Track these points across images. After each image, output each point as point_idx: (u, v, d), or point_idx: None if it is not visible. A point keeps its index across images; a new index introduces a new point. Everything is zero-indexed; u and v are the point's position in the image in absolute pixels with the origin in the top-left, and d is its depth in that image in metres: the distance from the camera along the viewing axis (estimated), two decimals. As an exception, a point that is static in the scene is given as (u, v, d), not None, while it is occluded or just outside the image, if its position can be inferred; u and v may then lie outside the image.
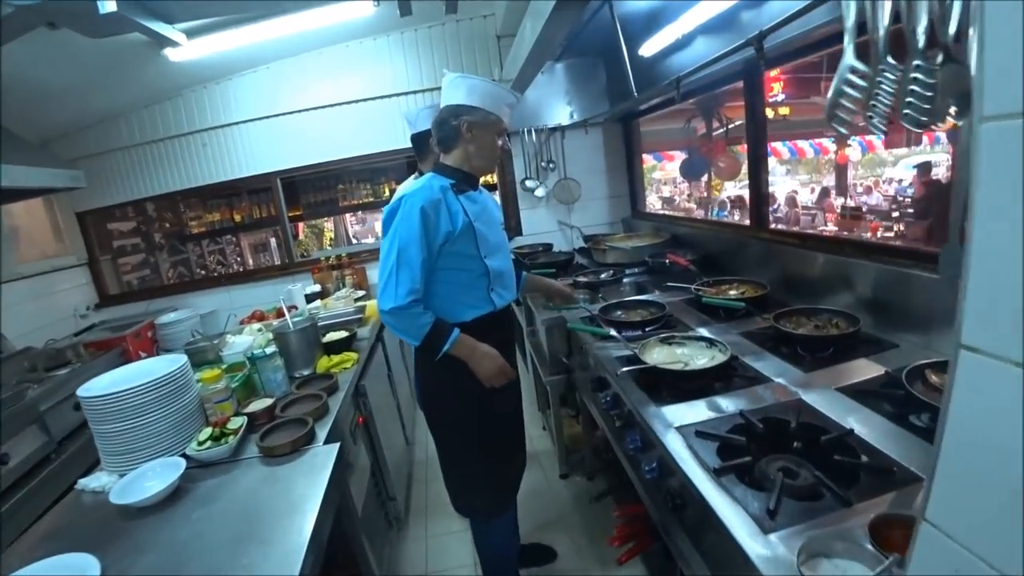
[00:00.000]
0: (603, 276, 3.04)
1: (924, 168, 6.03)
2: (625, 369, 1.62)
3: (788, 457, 1.22)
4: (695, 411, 1.46)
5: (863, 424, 1.28)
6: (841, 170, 9.79)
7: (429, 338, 1.66)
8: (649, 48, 2.80)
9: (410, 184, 1.78)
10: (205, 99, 4.02)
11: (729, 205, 7.59)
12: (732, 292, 2.35)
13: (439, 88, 1.72)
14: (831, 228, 7.44)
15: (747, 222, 2.72)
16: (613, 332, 1.92)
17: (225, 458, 1.49)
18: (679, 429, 1.36)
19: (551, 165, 4.22)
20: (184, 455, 1.47)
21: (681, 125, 5.24)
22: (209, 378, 1.66)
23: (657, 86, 2.38)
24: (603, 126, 4.22)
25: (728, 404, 1.47)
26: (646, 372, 1.64)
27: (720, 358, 1.65)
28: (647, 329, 2.09)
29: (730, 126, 4.56)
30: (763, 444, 1.28)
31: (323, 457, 1.44)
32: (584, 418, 2.65)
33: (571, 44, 3.38)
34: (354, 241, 6.83)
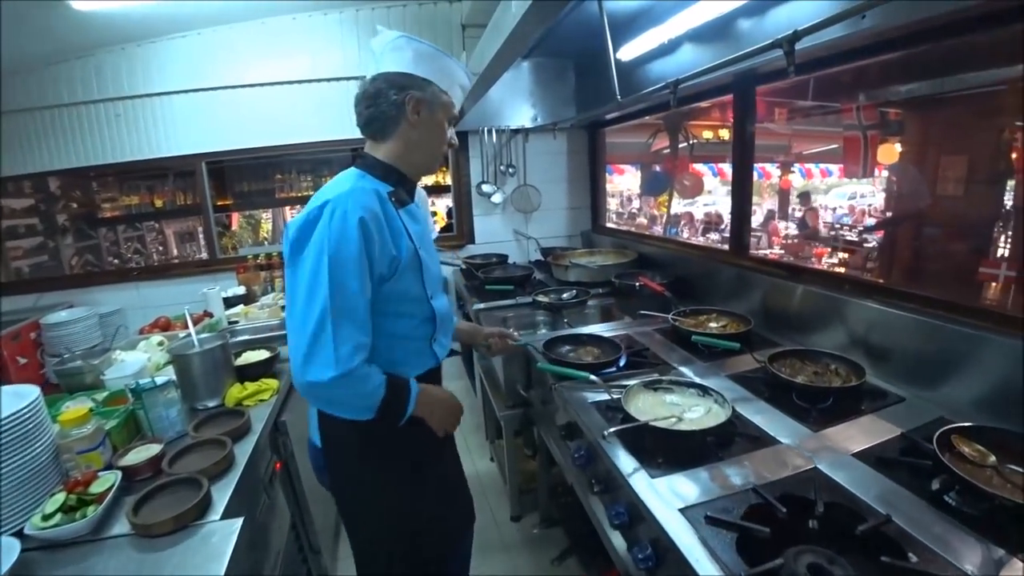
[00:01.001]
0: (565, 296, 2.77)
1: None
2: (614, 429, 1.34)
3: (817, 550, 0.98)
4: (698, 484, 1.19)
5: (897, 506, 1.07)
6: (784, 195, 10.09)
7: (386, 404, 1.19)
8: (629, 52, 2.57)
9: (332, 186, 1.23)
10: (122, 63, 3.47)
11: (681, 223, 7.55)
12: (713, 325, 2.13)
13: None
14: (777, 251, 7.57)
15: (725, 245, 2.53)
16: (595, 378, 1.64)
17: (82, 536, 1.10)
18: (685, 512, 1.09)
19: (511, 170, 3.94)
20: (20, 533, 1.07)
21: (640, 139, 5.12)
22: (70, 420, 1.25)
23: (641, 91, 2.14)
24: (568, 133, 3.98)
25: (735, 474, 1.22)
26: (638, 431, 1.36)
27: (720, 413, 1.40)
28: (621, 365, 1.83)
29: (693, 142, 4.44)
30: (784, 529, 1.04)
31: (220, 538, 1.08)
32: (541, 457, 2.36)
33: (542, 42, 3.11)
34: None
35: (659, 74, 2.45)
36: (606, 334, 2.13)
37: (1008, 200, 2.34)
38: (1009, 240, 2.31)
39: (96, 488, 1.16)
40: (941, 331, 1.49)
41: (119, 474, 1.23)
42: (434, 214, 6.94)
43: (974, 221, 2.36)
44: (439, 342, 1.42)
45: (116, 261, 4.52)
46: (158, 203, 4.35)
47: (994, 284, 2.11)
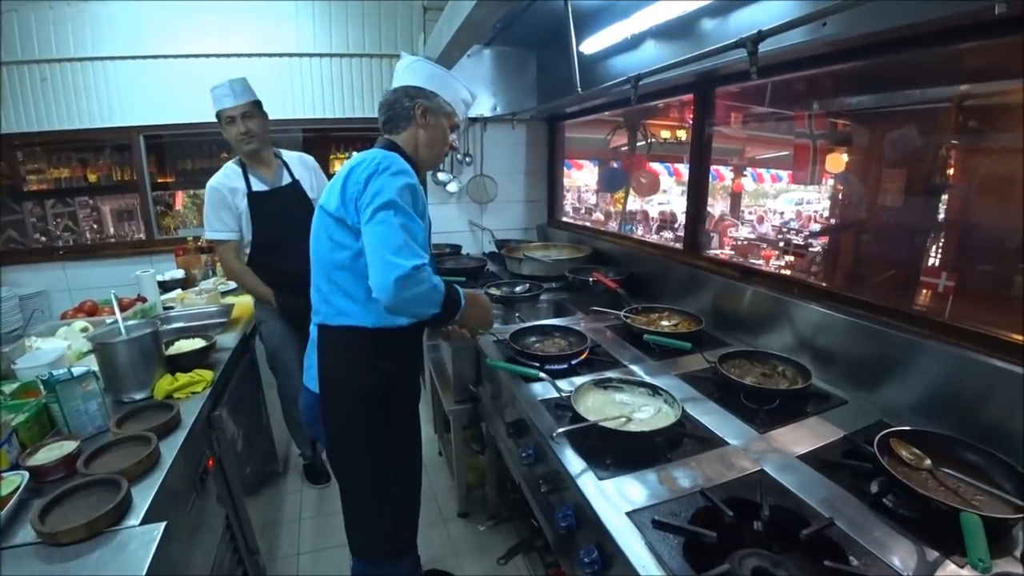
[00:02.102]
0: (518, 290, 2.74)
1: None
2: (563, 430, 1.31)
3: (762, 553, 0.98)
4: (647, 486, 1.18)
5: (839, 509, 1.09)
6: (736, 198, 10.36)
7: (448, 298, 1.44)
8: (592, 45, 2.54)
9: (373, 152, 1.48)
10: (50, 22, 3.20)
11: (636, 219, 7.63)
12: (665, 323, 2.14)
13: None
14: (728, 252, 7.74)
15: (679, 244, 2.54)
16: (544, 376, 1.61)
17: (-21, 544, 0.99)
18: (632, 516, 1.08)
19: (467, 159, 3.86)
20: (-96, 542, 0.96)
21: (599, 135, 5.12)
22: (-30, 414, 1.13)
23: (601, 85, 2.11)
24: (528, 124, 3.93)
25: (683, 476, 1.21)
26: (586, 431, 1.34)
27: (670, 414, 1.40)
28: (573, 363, 1.81)
29: (652, 141, 4.46)
30: (730, 532, 1.04)
31: (138, 545, 0.99)
32: (490, 454, 2.32)
33: (505, 30, 3.05)
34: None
35: (621, 69, 2.43)
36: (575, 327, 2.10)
37: (943, 212, 2.44)
38: (940, 250, 2.41)
39: (-1, 490, 1.05)
40: (883, 336, 1.53)
41: (26, 475, 1.11)
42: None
43: (911, 231, 2.45)
44: None
45: (43, 239, 4.21)
46: (92, 178, 4.07)
47: (926, 292, 2.19)
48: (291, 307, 2.29)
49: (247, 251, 2.37)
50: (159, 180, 4.30)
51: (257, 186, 2.36)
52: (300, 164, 2.54)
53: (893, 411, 1.47)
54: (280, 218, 2.39)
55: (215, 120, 2.30)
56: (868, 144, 2.99)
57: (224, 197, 2.29)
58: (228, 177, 2.33)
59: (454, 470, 2.53)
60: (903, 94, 2.34)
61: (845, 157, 3.48)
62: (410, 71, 1.56)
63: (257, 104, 2.33)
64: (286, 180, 2.46)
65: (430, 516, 2.52)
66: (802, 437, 1.38)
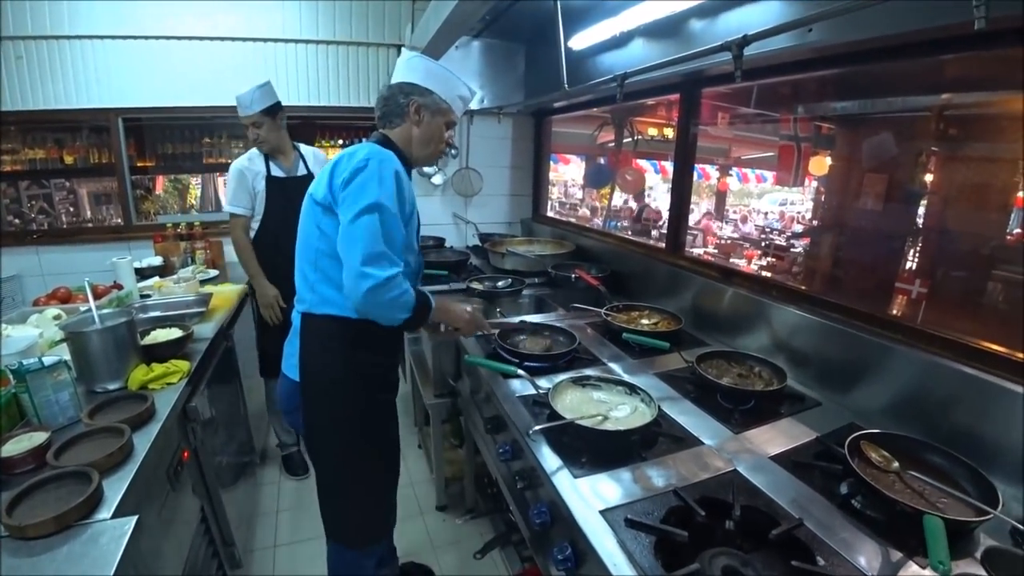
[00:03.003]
0: (500, 284, 2.74)
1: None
2: (539, 427, 1.32)
3: (731, 552, 1.00)
4: (621, 485, 1.19)
5: (809, 510, 1.12)
6: (721, 197, 10.43)
7: (419, 304, 1.44)
8: (580, 41, 2.54)
9: (363, 146, 1.46)
10: (26, -3, 3.09)
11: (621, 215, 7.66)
12: (645, 322, 2.15)
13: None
14: (711, 250, 7.80)
15: (661, 243, 2.56)
16: (522, 372, 1.61)
17: (-57, 537, 0.97)
18: (605, 514, 1.09)
19: (453, 151, 3.84)
20: None
21: (586, 131, 5.13)
22: (-66, 404, 1.10)
23: (589, 82, 2.12)
24: (515, 118, 3.92)
25: (657, 475, 1.23)
26: (563, 428, 1.35)
27: (646, 413, 1.41)
28: (558, 363, 1.82)
29: (638, 138, 4.47)
30: (702, 531, 1.06)
31: (109, 539, 0.98)
32: (468, 448, 2.33)
33: (494, 22, 3.03)
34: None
35: (609, 67, 2.43)
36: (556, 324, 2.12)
37: (920, 219, 2.49)
38: (917, 255, 2.46)
39: (-36, 482, 1.03)
40: (857, 340, 1.56)
41: (-6, 465, 1.09)
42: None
43: (889, 235, 2.50)
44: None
45: (17, 221, 4.10)
46: (68, 159, 3.95)
47: (900, 297, 2.24)
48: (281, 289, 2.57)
49: (255, 228, 2.64)
50: (138, 164, 4.18)
51: (275, 171, 2.63)
52: (314, 158, 2.80)
53: (865, 414, 1.50)
54: (292, 203, 2.53)
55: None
56: (850, 149, 3.03)
57: (245, 179, 2.56)
58: (252, 161, 2.60)
59: (432, 463, 2.54)
60: (885, 101, 2.38)
61: (828, 160, 3.53)
62: (407, 67, 1.56)
63: (268, 111, 2.54)
64: (302, 171, 2.72)
65: (408, 508, 2.52)
66: (776, 438, 1.40)
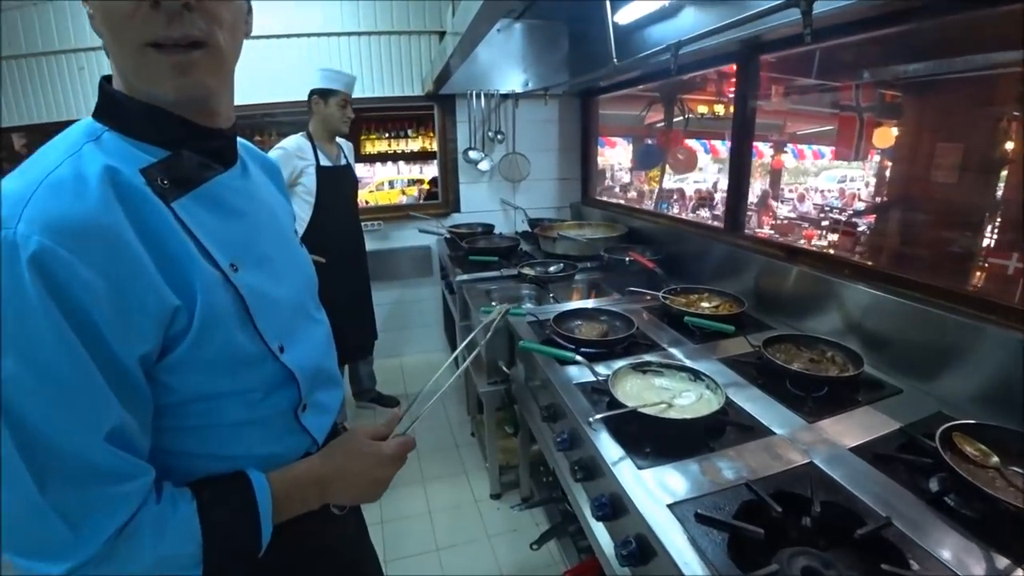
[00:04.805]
0: (552, 270, 2.68)
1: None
2: (600, 416, 1.27)
3: (812, 552, 0.92)
4: (688, 477, 1.13)
5: (896, 507, 1.02)
6: (776, 175, 9.99)
7: (219, 541, 0.68)
8: (627, 15, 2.43)
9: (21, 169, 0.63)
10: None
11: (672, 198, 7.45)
12: (705, 305, 2.06)
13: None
14: (766, 231, 7.52)
15: (716, 223, 2.44)
16: (580, 359, 1.56)
17: None
18: (673, 508, 1.03)
19: (499, 136, 3.79)
20: None
21: (633, 112, 4.99)
22: None
23: (640, 54, 2.01)
24: (560, 100, 3.83)
25: (727, 467, 1.16)
26: (624, 417, 1.29)
27: (712, 400, 1.34)
28: (615, 348, 1.75)
29: (689, 116, 4.30)
30: (777, 528, 0.99)
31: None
32: (523, 436, 2.30)
33: (535, 2, 2.95)
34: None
35: (659, 39, 2.32)
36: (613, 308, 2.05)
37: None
38: (996, 230, 2.26)
39: None
40: (941, 320, 1.44)
41: None
42: (420, 181, 6.76)
43: (969, 210, 2.31)
44: (315, 407, 0.86)
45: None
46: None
47: (992, 274, 2.06)
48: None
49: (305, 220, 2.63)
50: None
51: (324, 161, 2.69)
52: (348, 149, 2.91)
53: (952, 402, 1.37)
54: (340, 193, 2.79)
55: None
56: (920, 117, 2.82)
57: (291, 159, 2.58)
58: (299, 147, 2.63)
59: (486, 451, 2.52)
60: (963, 59, 2.18)
61: (894, 131, 3.31)
62: None
63: None
64: (343, 161, 2.82)
65: (462, 496, 2.52)
66: (853, 428, 1.30)
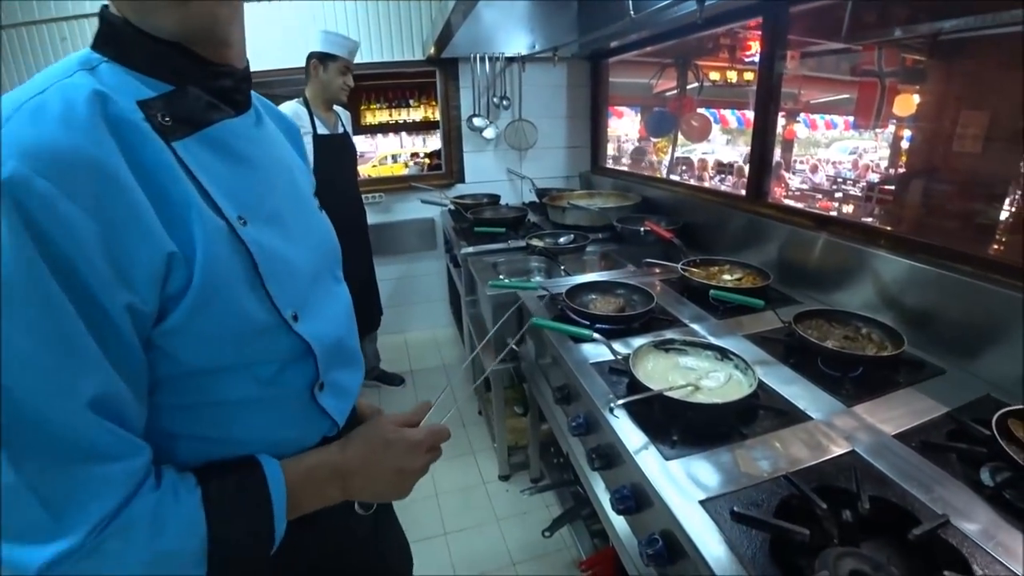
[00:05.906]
0: (563, 241, 2.56)
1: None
2: (623, 401, 1.16)
3: (860, 554, 0.82)
4: (720, 469, 1.02)
5: (950, 503, 0.92)
6: (787, 145, 9.76)
7: (232, 532, 0.60)
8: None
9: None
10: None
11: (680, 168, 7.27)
12: (727, 277, 1.94)
13: None
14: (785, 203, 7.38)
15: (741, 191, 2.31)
16: (598, 336, 1.44)
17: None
18: (706, 504, 0.93)
19: (505, 102, 3.62)
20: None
21: (642, 80, 4.80)
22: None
23: (660, 3, 1.85)
24: (569, 63, 3.65)
25: (762, 457, 1.05)
26: (645, 400, 1.18)
27: (743, 382, 1.23)
28: (632, 325, 1.64)
29: (703, 83, 4.11)
30: (820, 525, 0.88)
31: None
32: (533, 416, 2.21)
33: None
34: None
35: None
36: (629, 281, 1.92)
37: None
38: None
39: None
40: (990, 295, 1.31)
41: None
42: (422, 155, 6.59)
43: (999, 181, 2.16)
44: (333, 388, 0.76)
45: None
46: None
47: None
48: None
49: None
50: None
51: (321, 129, 2.58)
52: (346, 118, 2.80)
53: (1002, 384, 1.26)
54: (338, 162, 2.69)
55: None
56: (946, 81, 2.66)
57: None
58: (295, 114, 2.48)
59: (495, 431, 2.44)
60: (993, 16, 2.02)
61: (916, 98, 3.15)
62: None
63: None
64: (340, 129, 2.71)
65: (470, 478, 2.44)
66: (896, 413, 1.19)
